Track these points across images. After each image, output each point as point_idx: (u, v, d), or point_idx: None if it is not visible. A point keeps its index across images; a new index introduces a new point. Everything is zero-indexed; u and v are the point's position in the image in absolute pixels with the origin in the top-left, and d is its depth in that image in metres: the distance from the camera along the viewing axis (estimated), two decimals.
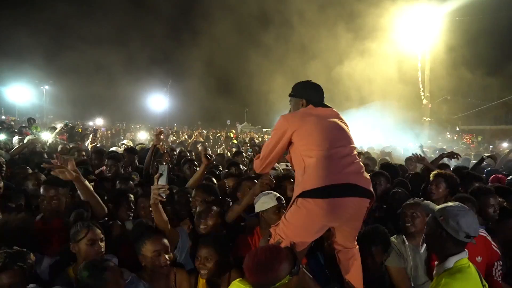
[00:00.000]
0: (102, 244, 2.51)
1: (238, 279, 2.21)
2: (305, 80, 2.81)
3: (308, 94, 2.69)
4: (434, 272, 2.12)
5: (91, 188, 3.00)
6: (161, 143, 5.09)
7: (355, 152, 2.50)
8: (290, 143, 2.50)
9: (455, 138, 24.02)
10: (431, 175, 3.76)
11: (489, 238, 2.91)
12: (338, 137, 2.46)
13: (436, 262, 2.14)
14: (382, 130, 16.02)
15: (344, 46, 21.59)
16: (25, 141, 6.11)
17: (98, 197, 2.95)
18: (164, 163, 3.24)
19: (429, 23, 19.74)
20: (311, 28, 24.46)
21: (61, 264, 2.56)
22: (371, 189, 2.40)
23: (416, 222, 2.85)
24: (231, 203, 3.37)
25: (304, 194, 2.28)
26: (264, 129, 31.40)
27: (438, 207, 2.15)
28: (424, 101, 20.54)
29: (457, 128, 30.81)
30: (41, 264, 2.54)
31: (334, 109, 2.66)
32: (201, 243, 2.59)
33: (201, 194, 3.25)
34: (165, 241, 2.54)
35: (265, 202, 2.90)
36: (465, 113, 31.20)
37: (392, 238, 2.92)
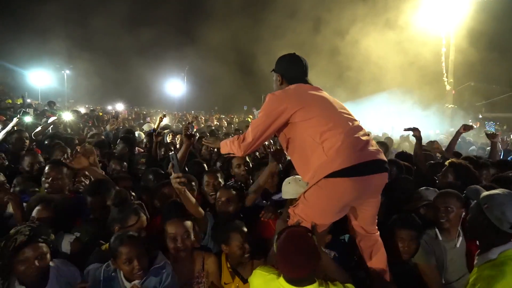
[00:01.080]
0: (142, 236, 2.54)
1: (259, 267, 2.21)
2: (290, 53, 2.61)
3: (284, 68, 2.54)
4: (476, 262, 2.01)
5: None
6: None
7: (364, 128, 2.41)
8: (285, 123, 2.34)
9: (477, 125, 23.32)
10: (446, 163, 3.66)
11: None
12: (348, 113, 2.39)
13: (478, 252, 2.03)
14: (402, 116, 15.69)
15: (365, 29, 21.04)
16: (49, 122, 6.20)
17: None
18: (172, 151, 3.25)
19: (454, 5, 18.92)
20: (333, 15, 23.87)
21: (81, 240, 2.64)
22: (385, 159, 2.35)
23: (450, 216, 2.65)
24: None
25: (331, 175, 2.18)
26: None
27: (484, 193, 2.02)
28: (448, 87, 19.95)
29: (480, 116, 29.88)
30: (62, 240, 2.61)
31: (313, 85, 2.51)
32: (237, 229, 2.59)
33: (213, 178, 3.31)
34: (186, 225, 2.51)
35: (289, 184, 2.83)
36: (489, 100, 30.17)
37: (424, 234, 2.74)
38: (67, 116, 7.26)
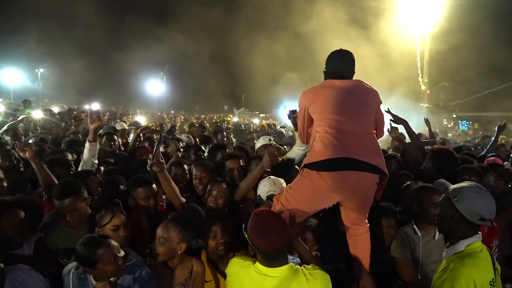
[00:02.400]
0: (125, 231, 2.51)
1: (236, 256, 2.23)
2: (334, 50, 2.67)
3: (326, 66, 2.63)
4: (444, 254, 2.06)
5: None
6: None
7: (368, 125, 2.43)
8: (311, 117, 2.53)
9: (451, 125, 24.07)
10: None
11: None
12: (348, 110, 2.39)
13: (446, 244, 2.07)
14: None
15: (340, 29, 21.31)
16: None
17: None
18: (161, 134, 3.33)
19: (429, 7, 19.44)
20: (308, 13, 24.07)
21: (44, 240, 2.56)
22: (378, 165, 2.32)
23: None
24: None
25: (308, 166, 2.33)
26: (261, 115, 31.27)
27: (452, 187, 2.06)
28: (423, 87, 20.49)
29: (454, 115, 30.83)
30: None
31: (356, 80, 2.56)
32: (217, 220, 2.60)
33: (201, 170, 3.28)
34: (166, 229, 2.42)
35: (267, 187, 2.92)
36: (463, 100, 31.19)
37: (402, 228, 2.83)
38: (38, 114, 7.07)
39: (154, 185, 2.98)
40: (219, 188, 2.97)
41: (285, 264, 1.99)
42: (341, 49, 2.63)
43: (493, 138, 5.58)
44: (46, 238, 2.58)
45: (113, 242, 2.24)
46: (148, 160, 2.70)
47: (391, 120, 4.31)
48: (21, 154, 3.00)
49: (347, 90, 2.45)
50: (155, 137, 5.79)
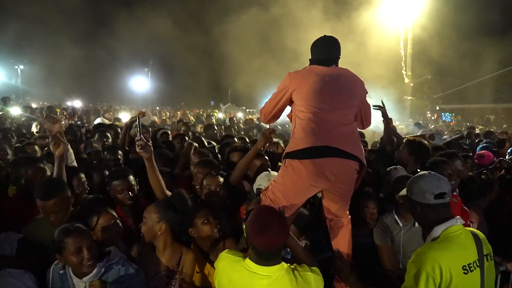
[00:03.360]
0: (116, 228, 2.49)
1: (226, 250, 2.19)
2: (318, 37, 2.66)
3: (311, 51, 2.61)
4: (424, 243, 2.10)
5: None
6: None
7: (350, 116, 2.43)
8: (291, 101, 2.48)
9: (435, 117, 24.48)
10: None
11: (458, 199, 2.98)
12: (333, 99, 2.38)
13: (424, 235, 2.12)
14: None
15: (323, 21, 21.38)
16: None
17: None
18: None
19: (411, 0, 19.61)
20: (291, 6, 24.02)
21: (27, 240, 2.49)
22: (356, 154, 2.34)
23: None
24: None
25: (289, 155, 2.33)
26: (248, 110, 31.22)
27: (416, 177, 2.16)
28: (406, 80, 20.75)
29: (437, 108, 31.38)
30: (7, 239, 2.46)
31: (343, 69, 2.55)
32: (206, 207, 2.65)
33: (201, 169, 3.23)
34: (150, 211, 2.46)
35: (261, 181, 2.95)
36: (445, 92, 31.75)
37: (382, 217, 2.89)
38: (15, 111, 6.90)
39: (131, 177, 2.94)
40: (215, 180, 2.95)
41: (277, 264, 1.95)
42: (325, 35, 2.63)
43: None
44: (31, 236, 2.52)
45: (85, 236, 2.18)
46: (136, 143, 2.65)
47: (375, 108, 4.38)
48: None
49: (333, 79, 2.44)
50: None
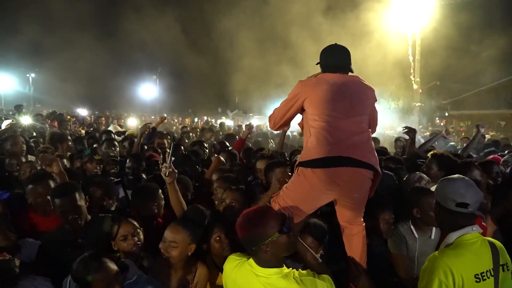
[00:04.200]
0: (136, 237, 2.47)
1: (233, 254, 2.20)
2: (329, 45, 2.67)
3: (322, 59, 2.60)
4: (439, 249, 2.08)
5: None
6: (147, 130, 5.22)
7: (363, 124, 2.42)
8: (302, 109, 2.48)
9: (443, 123, 24.26)
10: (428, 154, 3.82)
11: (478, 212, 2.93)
12: (345, 107, 2.37)
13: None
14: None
15: (331, 28, 21.40)
16: (3, 126, 6.08)
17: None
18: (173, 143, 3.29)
19: (420, 6, 19.55)
20: (300, 14, 24.13)
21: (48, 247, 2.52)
22: (371, 162, 2.33)
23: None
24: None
25: (302, 164, 2.34)
26: (255, 117, 31.27)
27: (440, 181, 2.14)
28: (415, 86, 20.62)
29: (446, 114, 31.12)
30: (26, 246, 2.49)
31: (354, 76, 2.55)
32: (220, 222, 2.63)
33: (222, 184, 3.21)
34: (178, 232, 2.40)
35: None
36: (454, 98, 31.50)
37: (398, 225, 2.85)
38: (26, 120, 7.04)
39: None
40: (232, 195, 2.92)
41: (277, 267, 1.95)
42: (336, 43, 2.64)
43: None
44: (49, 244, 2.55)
45: (112, 266, 2.09)
46: (161, 167, 2.65)
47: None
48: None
49: (345, 87, 2.44)
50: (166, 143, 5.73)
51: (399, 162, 4.14)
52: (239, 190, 3.01)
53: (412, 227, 2.81)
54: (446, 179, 2.09)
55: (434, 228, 2.82)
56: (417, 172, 3.46)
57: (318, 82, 2.45)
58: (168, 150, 2.78)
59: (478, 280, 1.87)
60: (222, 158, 3.92)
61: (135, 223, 2.57)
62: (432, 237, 2.81)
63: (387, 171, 3.61)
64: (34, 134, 6.69)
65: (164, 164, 2.63)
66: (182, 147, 5.39)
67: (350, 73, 2.57)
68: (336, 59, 2.56)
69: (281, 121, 2.61)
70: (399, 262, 2.76)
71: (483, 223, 2.92)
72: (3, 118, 9.05)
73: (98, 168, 3.97)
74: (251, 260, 2.02)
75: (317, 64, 2.66)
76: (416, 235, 2.79)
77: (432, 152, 3.87)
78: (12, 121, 6.47)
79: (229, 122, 20.41)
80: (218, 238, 2.54)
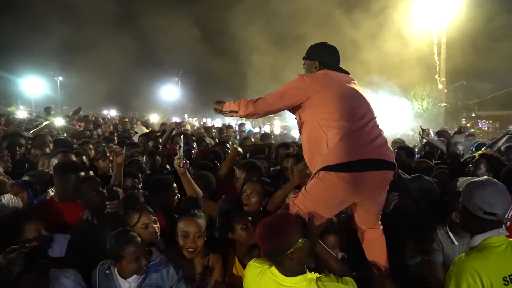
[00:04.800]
0: (156, 226, 2.56)
1: (254, 259, 2.20)
2: (322, 42, 2.66)
3: (322, 55, 2.56)
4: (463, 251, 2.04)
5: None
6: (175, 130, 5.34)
7: (379, 124, 2.40)
8: (300, 106, 2.39)
9: (470, 124, 23.51)
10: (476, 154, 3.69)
11: None
12: (362, 107, 2.36)
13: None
14: (395, 117, 15.78)
15: (353, 27, 21.13)
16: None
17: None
18: (181, 135, 3.39)
19: (445, 3, 18.95)
20: (318, 18, 23.94)
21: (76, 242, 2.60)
22: (394, 161, 2.32)
23: None
24: None
25: (327, 168, 2.21)
26: (276, 118, 31.20)
27: (467, 183, 2.06)
28: (440, 86, 20.07)
29: (473, 115, 30.12)
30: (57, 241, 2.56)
31: (349, 75, 2.54)
32: (245, 215, 2.70)
33: (242, 173, 3.26)
34: (200, 223, 2.47)
35: None
36: (482, 98, 30.45)
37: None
38: (59, 122, 7.45)
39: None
40: (253, 186, 2.94)
41: (301, 274, 1.94)
42: (327, 42, 2.65)
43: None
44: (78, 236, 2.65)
45: (141, 242, 2.28)
46: (175, 160, 2.85)
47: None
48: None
49: (353, 87, 2.42)
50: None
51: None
52: (259, 181, 3.02)
53: (450, 234, 2.69)
54: (475, 184, 2.01)
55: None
56: (468, 178, 3.35)
57: (328, 81, 2.38)
58: (181, 146, 2.91)
59: (506, 283, 1.82)
60: (240, 149, 3.95)
61: (152, 212, 2.65)
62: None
63: (427, 177, 3.45)
64: (65, 134, 7.01)
65: (177, 156, 2.83)
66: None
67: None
68: (337, 58, 2.56)
69: (270, 109, 2.45)
70: (431, 268, 2.62)
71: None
72: (33, 123, 9.50)
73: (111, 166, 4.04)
74: (273, 268, 1.99)
75: (306, 58, 2.62)
76: (456, 242, 2.67)
77: (481, 152, 3.74)
78: (49, 121, 6.91)
79: (248, 125, 20.49)
80: (244, 226, 2.58)
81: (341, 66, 2.58)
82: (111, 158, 2.94)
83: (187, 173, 2.90)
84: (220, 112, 2.67)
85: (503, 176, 3.27)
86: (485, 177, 2.06)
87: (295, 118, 2.55)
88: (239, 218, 2.62)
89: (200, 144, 5.70)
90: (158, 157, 4.26)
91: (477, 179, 2.06)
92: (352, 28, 21.28)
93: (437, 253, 2.65)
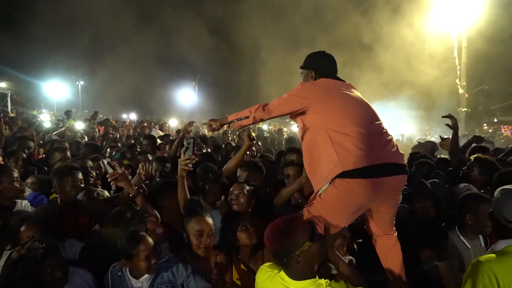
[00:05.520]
0: (159, 230, 2.65)
1: (265, 264, 2.22)
2: (318, 50, 2.69)
3: (318, 64, 2.60)
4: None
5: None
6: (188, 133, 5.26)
7: (386, 129, 2.40)
8: (303, 113, 2.42)
9: (492, 130, 22.87)
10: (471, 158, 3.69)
11: None
12: (369, 112, 2.39)
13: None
14: (414, 121, 15.53)
15: (373, 29, 20.92)
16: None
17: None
18: (190, 136, 3.40)
19: (466, 5, 18.52)
20: (333, 21, 23.80)
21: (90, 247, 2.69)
22: (406, 165, 2.35)
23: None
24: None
25: (344, 174, 2.19)
26: (291, 122, 31.16)
27: (499, 188, 2.05)
28: (461, 91, 19.62)
29: (495, 120, 29.32)
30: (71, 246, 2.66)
31: (346, 82, 2.57)
32: (245, 215, 2.73)
33: (245, 171, 3.35)
34: (210, 221, 2.58)
35: None
36: (504, 103, 29.62)
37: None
38: (79, 126, 7.68)
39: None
40: (240, 186, 2.98)
41: (310, 278, 1.95)
42: (324, 51, 2.66)
43: None
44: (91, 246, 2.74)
45: (151, 240, 2.36)
46: (182, 161, 2.82)
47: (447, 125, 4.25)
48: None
49: (355, 94, 2.45)
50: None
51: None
52: (246, 181, 3.07)
53: (462, 237, 2.69)
54: (506, 192, 1.97)
55: (480, 236, 2.72)
56: (466, 184, 3.35)
57: (329, 88, 2.41)
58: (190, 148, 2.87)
59: None
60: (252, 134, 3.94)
61: (155, 216, 2.74)
62: (482, 244, 2.70)
63: (436, 180, 3.50)
64: (86, 138, 7.20)
65: (187, 156, 2.78)
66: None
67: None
68: (334, 66, 2.59)
69: (277, 115, 2.55)
70: (448, 274, 2.54)
71: None
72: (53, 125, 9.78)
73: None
74: (282, 273, 2.01)
75: (303, 68, 2.65)
76: (468, 245, 2.67)
77: (476, 155, 3.72)
78: (70, 124, 7.17)
79: (265, 127, 20.53)
80: (244, 228, 2.61)
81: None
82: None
83: (184, 179, 2.88)
84: (221, 125, 2.81)
85: (496, 180, 3.25)
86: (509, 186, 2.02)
87: (297, 126, 2.57)
88: (239, 220, 2.66)
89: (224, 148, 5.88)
90: (167, 163, 4.29)
91: (506, 187, 2.02)
92: (367, 35, 21.07)
93: (453, 258, 2.62)
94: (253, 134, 3.86)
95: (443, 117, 4.40)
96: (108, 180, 2.83)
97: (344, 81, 2.56)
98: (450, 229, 2.78)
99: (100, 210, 2.91)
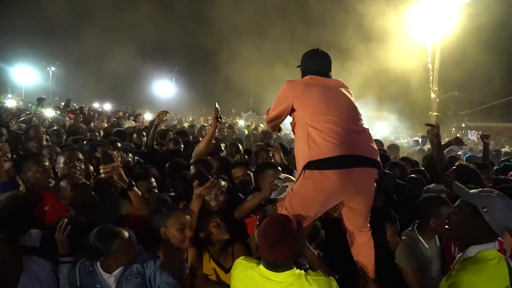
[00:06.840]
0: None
1: (241, 257, 2.22)
2: (312, 49, 2.72)
3: (304, 62, 2.66)
4: (454, 261, 2.04)
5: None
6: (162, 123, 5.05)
7: (362, 123, 2.44)
8: (293, 109, 2.47)
9: (459, 134, 23.85)
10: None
11: None
12: (345, 107, 2.41)
13: (460, 253, 2.05)
14: (387, 124, 15.94)
15: (349, 36, 21.28)
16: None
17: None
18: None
19: (440, 15, 19.24)
20: (314, 17, 24.04)
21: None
22: (378, 159, 2.34)
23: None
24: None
25: (310, 165, 2.25)
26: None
27: (479, 195, 1.97)
28: (432, 95, 20.32)
29: (463, 125, 30.59)
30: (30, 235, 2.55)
31: (339, 80, 2.61)
32: (215, 212, 2.73)
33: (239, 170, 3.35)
34: (187, 216, 2.58)
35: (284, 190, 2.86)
36: (472, 109, 30.94)
37: (403, 236, 2.77)
38: (49, 113, 7.35)
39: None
40: (220, 185, 2.94)
41: (289, 270, 1.97)
42: (317, 49, 2.70)
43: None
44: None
45: (126, 232, 2.29)
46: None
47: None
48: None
49: (335, 89, 2.49)
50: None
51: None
52: (223, 179, 3.09)
53: (420, 238, 2.76)
54: (506, 205, 1.91)
55: (436, 236, 2.81)
56: (440, 185, 3.44)
57: (308, 84, 2.48)
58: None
59: None
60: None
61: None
62: (438, 244, 2.80)
63: (389, 171, 3.69)
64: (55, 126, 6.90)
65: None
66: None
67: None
68: (321, 64, 2.63)
69: (274, 116, 2.61)
70: (411, 276, 2.63)
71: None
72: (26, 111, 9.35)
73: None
74: (261, 266, 2.02)
75: (298, 67, 2.72)
76: (426, 245, 2.75)
77: (459, 162, 3.89)
78: (39, 111, 6.83)
79: (242, 123, 20.50)
80: (216, 223, 2.62)
81: (333, 71, 2.66)
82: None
83: (135, 188, 2.77)
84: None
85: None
86: (501, 194, 1.97)
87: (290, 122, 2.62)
88: (210, 217, 2.65)
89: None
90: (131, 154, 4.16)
91: (495, 195, 1.95)
92: (348, 34, 21.42)
93: (411, 258, 2.67)
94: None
95: (426, 125, 4.49)
96: (101, 172, 2.64)
97: (335, 79, 2.61)
98: (410, 230, 2.84)
99: (83, 200, 2.79)
